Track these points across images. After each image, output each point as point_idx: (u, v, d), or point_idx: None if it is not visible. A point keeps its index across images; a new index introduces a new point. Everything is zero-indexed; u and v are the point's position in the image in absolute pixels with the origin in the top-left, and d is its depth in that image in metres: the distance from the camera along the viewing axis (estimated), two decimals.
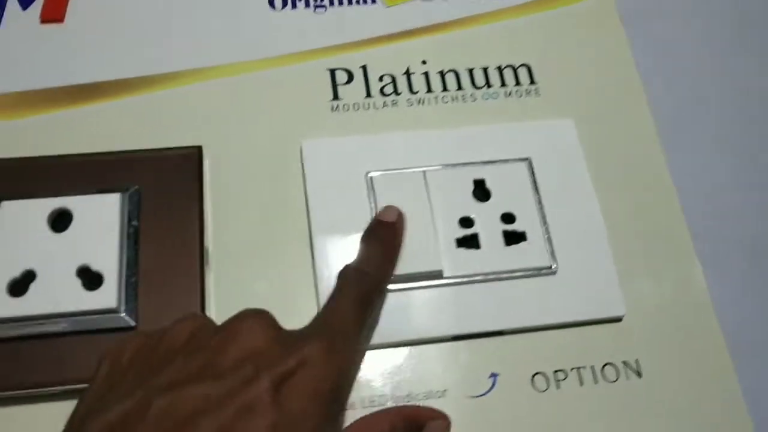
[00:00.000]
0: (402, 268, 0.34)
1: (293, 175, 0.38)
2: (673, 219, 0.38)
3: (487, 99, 0.41)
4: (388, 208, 0.34)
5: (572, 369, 0.34)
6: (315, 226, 0.36)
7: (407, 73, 0.42)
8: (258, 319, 0.26)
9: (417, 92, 0.41)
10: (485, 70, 0.42)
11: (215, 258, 0.35)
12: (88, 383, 0.26)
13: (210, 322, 0.27)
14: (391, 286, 0.34)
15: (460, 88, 0.41)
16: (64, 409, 0.31)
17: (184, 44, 0.41)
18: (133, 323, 0.32)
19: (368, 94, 0.41)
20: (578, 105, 0.41)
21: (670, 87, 0.45)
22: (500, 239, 0.36)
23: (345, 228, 0.36)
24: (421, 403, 0.33)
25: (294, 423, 0.23)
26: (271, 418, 0.22)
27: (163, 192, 0.35)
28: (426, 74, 0.42)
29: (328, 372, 0.25)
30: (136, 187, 0.35)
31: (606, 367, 0.34)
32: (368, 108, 0.40)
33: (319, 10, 0.43)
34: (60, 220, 0.34)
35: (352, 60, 0.42)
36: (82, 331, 0.32)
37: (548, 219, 0.36)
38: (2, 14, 0.41)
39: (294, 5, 0.43)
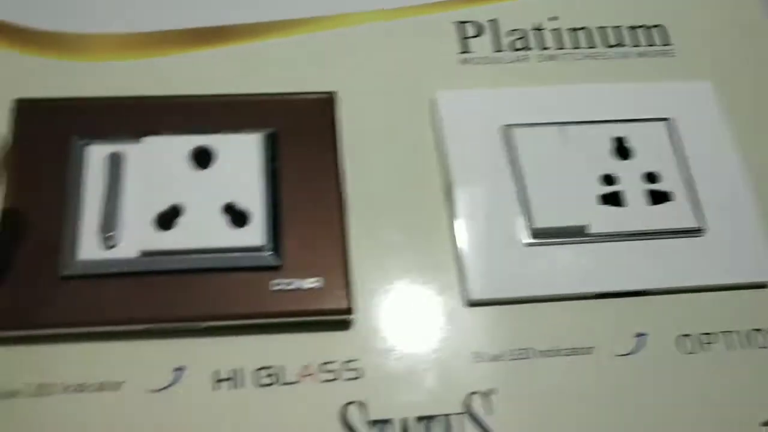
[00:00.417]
0: (546, 222, 0.33)
1: (424, 126, 0.37)
2: None
3: (620, 58, 0.40)
4: None
5: (720, 333, 0.33)
6: (454, 176, 0.35)
7: (537, 29, 0.41)
8: None
9: (548, 48, 0.40)
10: (617, 29, 0.41)
11: (350, 206, 0.35)
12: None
13: None
14: (531, 240, 0.34)
15: (592, 46, 0.40)
16: (204, 345, 0.31)
17: None
18: (277, 263, 0.32)
19: (498, 49, 0.40)
20: (714, 67, 0.40)
21: None
22: (644, 198, 0.35)
23: (484, 181, 0.35)
24: (567, 359, 0.32)
25: None
26: None
27: (298, 136, 0.35)
28: (557, 31, 0.41)
29: None
30: (274, 129, 0.34)
31: (753, 332, 0.33)
32: (498, 62, 0.39)
33: None
34: (202, 158, 0.33)
35: (481, 14, 0.41)
36: (225, 268, 0.31)
37: (693, 180, 0.35)
38: None
39: None
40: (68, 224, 0.31)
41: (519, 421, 0.31)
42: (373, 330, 0.33)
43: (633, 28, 0.41)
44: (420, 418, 0.31)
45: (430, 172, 0.36)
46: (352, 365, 0.32)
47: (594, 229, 0.34)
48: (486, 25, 0.40)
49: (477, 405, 0.31)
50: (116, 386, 0.30)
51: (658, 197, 0.35)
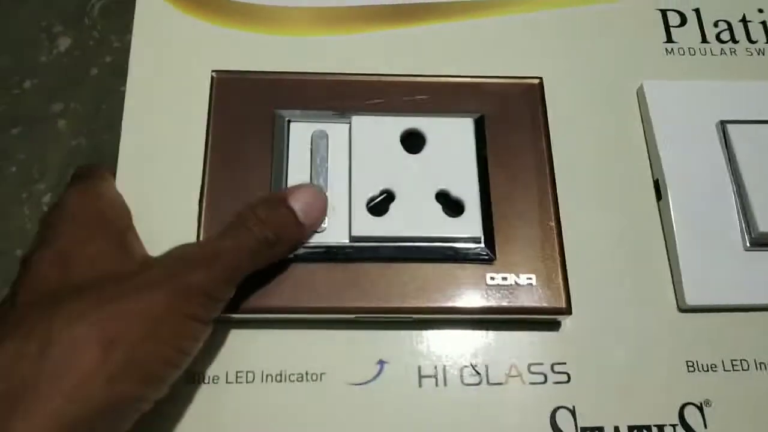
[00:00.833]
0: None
1: (629, 115, 0.35)
2: None
3: None
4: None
5: None
6: (667, 173, 0.33)
7: (743, 21, 0.38)
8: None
9: (756, 42, 0.37)
10: None
11: None
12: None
13: None
14: (751, 245, 0.31)
15: None
16: (408, 338, 0.30)
17: None
18: (490, 256, 0.30)
19: (704, 40, 0.37)
20: None
21: None
22: None
23: (698, 179, 0.33)
24: None
25: None
26: None
27: (505, 123, 0.33)
28: (764, 23, 0.38)
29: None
30: (481, 113, 0.33)
31: None
32: (705, 54, 0.37)
33: None
34: (412, 141, 0.32)
35: (685, 2, 0.38)
36: (440, 258, 0.30)
37: None
38: None
39: None
40: None
41: None
42: (581, 332, 0.31)
43: None
44: (631, 428, 0.30)
45: (639, 166, 0.34)
46: (558, 368, 0.30)
47: None
48: (690, 14, 0.38)
49: (691, 416, 0.30)
50: (317, 377, 0.30)
51: None
